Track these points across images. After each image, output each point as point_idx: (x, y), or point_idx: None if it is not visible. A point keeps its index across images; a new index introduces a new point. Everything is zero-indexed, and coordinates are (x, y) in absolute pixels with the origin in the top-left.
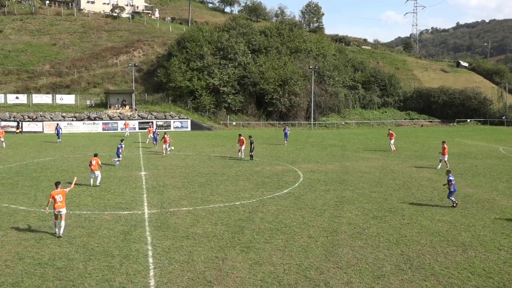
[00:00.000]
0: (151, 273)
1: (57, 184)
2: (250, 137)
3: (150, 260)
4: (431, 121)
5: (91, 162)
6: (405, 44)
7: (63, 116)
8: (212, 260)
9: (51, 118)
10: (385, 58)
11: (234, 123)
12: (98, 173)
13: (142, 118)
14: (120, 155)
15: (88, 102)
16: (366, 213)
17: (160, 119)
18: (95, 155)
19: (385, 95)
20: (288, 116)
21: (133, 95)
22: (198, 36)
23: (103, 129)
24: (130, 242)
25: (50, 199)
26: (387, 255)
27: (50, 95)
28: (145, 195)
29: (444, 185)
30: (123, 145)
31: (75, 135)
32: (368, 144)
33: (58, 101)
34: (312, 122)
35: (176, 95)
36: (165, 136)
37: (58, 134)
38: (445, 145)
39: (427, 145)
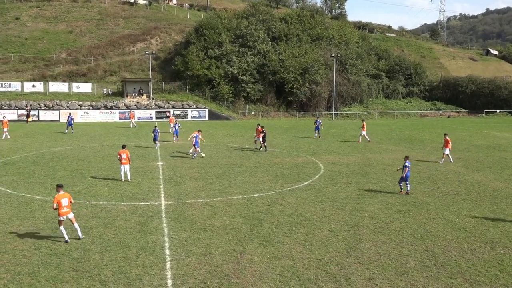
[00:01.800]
0: (168, 265)
1: (59, 187)
2: (262, 127)
3: (167, 252)
4: (458, 112)
5: (120, 155)
6: (432, 31)
7: (79, 105)
8: (230, 253)
9: (68, 107)
10: (410, 46)
11: (253, 113)
12: (128, 167)
13: (159, 107)
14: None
15: (104, 91)
16: (389, 207)
17: (177, 108)
18: (123, 147)
19: (410, 84)
20: (309, 106)
21: (150, 84)
22: (216, 23)
23: (120, 118)
24: (146, 233)
25: (54, 204)
26: (411, 250)
27: (66, 84)
28: (162, 186)
29: (397, 170)
30: (158, 130)
31: (91, 124)
32: (391, 136)
33: (74, 89)
34: (333, 112)
35: (194, 84)
36: (198, 133)
37: (70, 124)
38: (447, 138)
39: (454, 137)
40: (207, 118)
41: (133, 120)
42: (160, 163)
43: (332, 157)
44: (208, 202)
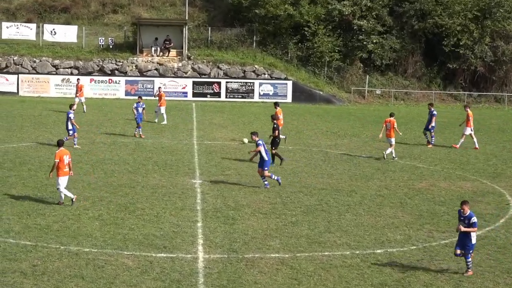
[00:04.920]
0: None
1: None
2: (271, 116)
3: None
4: None
5: (61, 159)
6: None
7: (54, 66)
8: None
9: (33, 68)
10: None
11: (378, 92)
12: (65, 181)
13: (201, 74)
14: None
15: (101, 42)
16: None
17: (233, 77)
18: (60, 144)
19: None
20: (489, 81)
21: (185, 30)
22: None
23: (127, 92)
24: None
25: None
26: None
27: (33, 26)
28: (200, 224)
29: (458, 230)
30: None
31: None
32: None
33: (47, 37)
34: None
35: (267, 33)
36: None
37: None
38: None
39: None
40: (289, 99)
41: (82, 98)
42: (198, 180)
43: None
44: (285, 260)
